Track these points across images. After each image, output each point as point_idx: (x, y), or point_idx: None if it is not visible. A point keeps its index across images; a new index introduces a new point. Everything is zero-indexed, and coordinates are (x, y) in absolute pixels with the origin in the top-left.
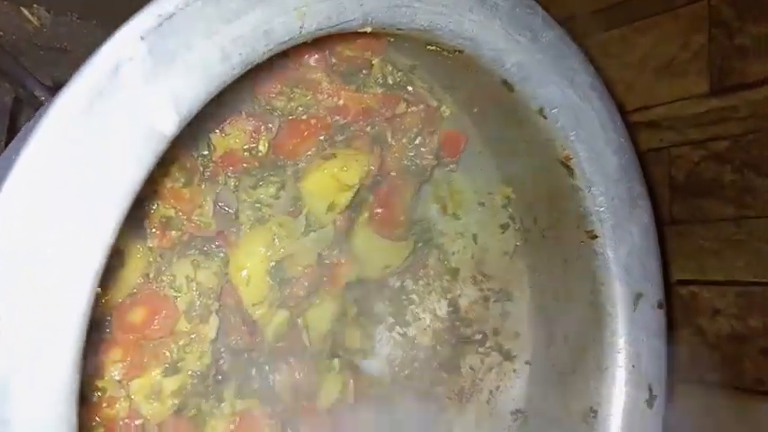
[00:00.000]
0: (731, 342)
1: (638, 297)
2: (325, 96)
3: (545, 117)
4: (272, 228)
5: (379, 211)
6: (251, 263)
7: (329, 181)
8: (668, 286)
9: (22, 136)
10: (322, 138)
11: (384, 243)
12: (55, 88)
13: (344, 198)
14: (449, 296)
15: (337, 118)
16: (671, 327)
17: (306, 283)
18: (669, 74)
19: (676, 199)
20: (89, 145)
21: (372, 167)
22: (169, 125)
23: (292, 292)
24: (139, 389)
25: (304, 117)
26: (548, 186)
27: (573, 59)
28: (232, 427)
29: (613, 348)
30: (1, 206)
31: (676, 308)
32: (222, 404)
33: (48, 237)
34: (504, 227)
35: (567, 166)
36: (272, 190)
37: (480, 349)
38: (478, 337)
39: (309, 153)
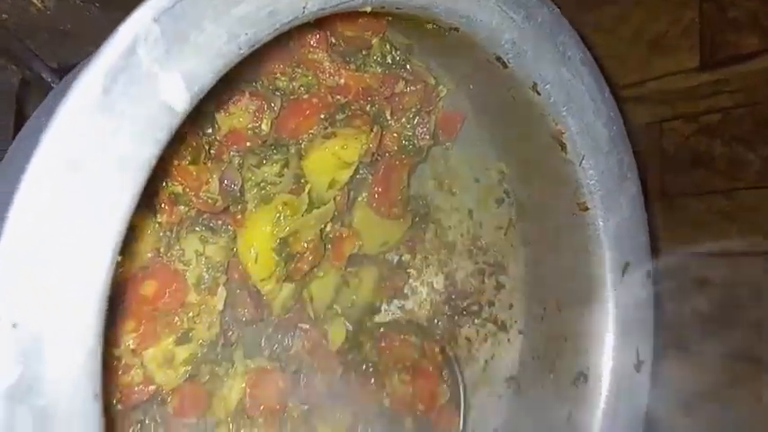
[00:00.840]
0: (722, 311)
1: (626, 266)
2: (327, 76)
3: (538, 93)
4: (278, 206)
5: (377, 190)
6: (258, 241)
7: (330, 159)
8: (659, 258)
9: (40, 115)
10: (323, 117)
11: (382, 221)
12: (61, 70)
13: (344, 175)
14: (445, 270)
15: (338, 97)
16: (662, 298)
17: (310, 258)
18: (661, 48)
19: (668, 172)
20: (109, 123)
21: (371, 146)
22: (181, 102)
23: (297, 267)
24: (152, 358)
25: (305, 96)
26: (541, 161)
27: (565, 36)
28: (248, 383)
29: (603, 315)
30: (31, 181)
31: (667, 279)
32: (235, 365)
33: (74, 209)
34: (499, 201)
35: (560, 141)
36: (275, 168)
37: (476, 321)
38: (474, 308)
39: (311, 132)
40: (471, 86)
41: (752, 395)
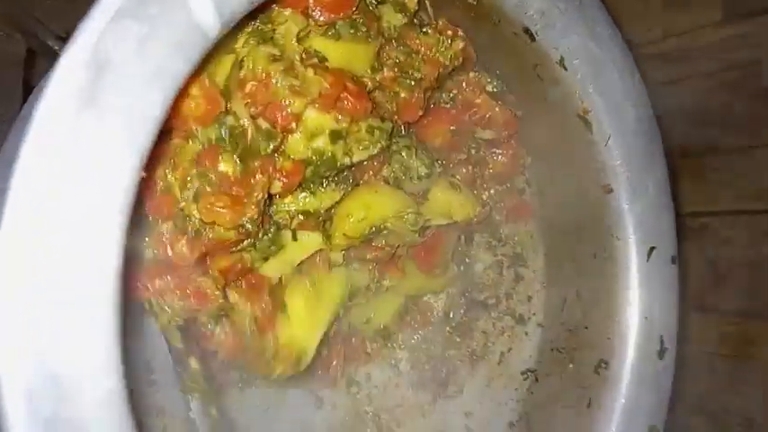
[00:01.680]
0: (744, 270)
1: (651, 251)
2: None
3: (565, 68)
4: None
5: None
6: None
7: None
8: (679, 219)
9: None
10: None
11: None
12: (68, 38)
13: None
14: (466, 261)
15: None
16: (683, 258)
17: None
18: (682, 4)
19: (687, 131)
20: (149, 32)
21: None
22: (212, 27)
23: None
24: None
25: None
26: (564, 144)
27: (594, 10)
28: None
29: (626, 301)
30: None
31: (688, 240)
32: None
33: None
34: (521, 192)
35: (585, 120)
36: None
37: (493, 314)
38: (491, 301)
39: None
40: (497, 72)
41: None
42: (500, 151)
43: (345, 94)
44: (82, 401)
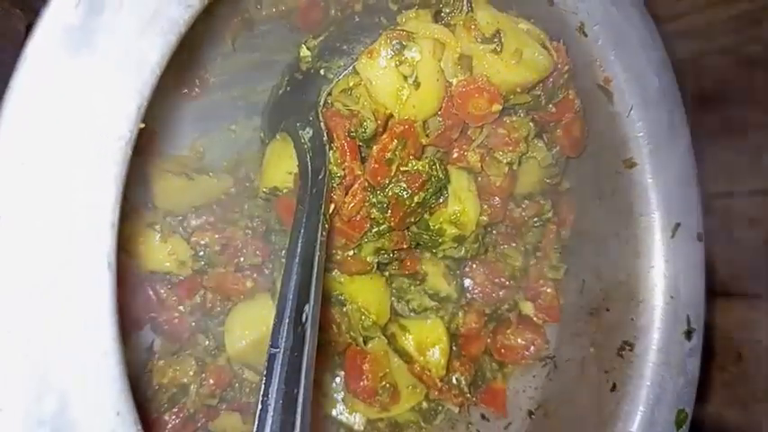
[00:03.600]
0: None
1: (676, 227)
2: None
3: (585, 35)
4: None
5: None
6: None
7: None
8: (702, 200)
9: None
10: None
11: None
12: None
13: None
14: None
15: None
16: (708, 241)
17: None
18: None
19: (707, 110)
20: None
21: None
22: None
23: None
24: None
25: None
26: (585, 117)
27: None
28: None
29: (650, 280)
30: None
31: (712, 221)
32: None
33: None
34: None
35: (606, 90)
36: None
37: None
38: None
39: None
40: None
41: None
42: None
43: None
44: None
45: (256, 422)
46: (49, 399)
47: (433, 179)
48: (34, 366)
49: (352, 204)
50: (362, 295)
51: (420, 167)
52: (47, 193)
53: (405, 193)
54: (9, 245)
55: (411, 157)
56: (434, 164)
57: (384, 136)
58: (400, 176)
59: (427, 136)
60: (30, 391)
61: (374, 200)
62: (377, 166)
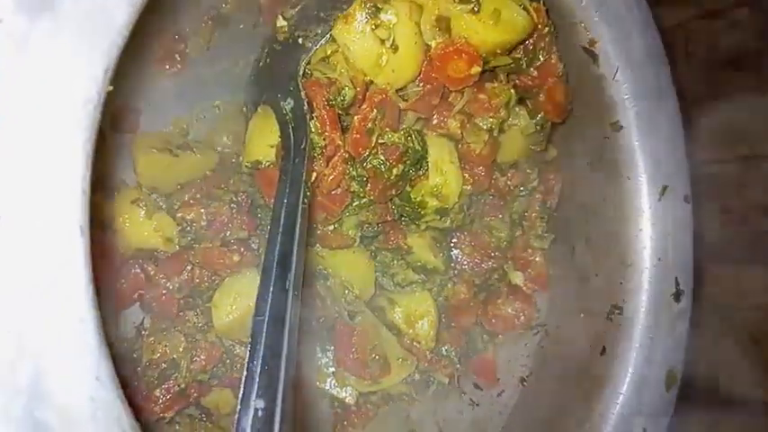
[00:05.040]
0: (760, 215)
1: (664, 190)
2: None
3: None
4: None
5: None
6: None
7: None
8: (692, 166)
9: None
10: None
11: None
12: None
13: None
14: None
15: None
16: (697, 206)
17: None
18: None
19: (696, 75)
20: None
21: None
22: None
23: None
24: None
25: None
26: (570, 81)
27: None
28: None
29: (638, 243)
30: None
31: (701, 187)
32: None
33: None
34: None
35: (591, 52)
36: None
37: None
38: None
39: None
40: None
41: None
42: None
43: None
44: None
45: (242, 388)
46: (25, 367)
47: (409, 151)
48: (7, 335)
49: (332, 177)
50: (345, 269)
51: (396, 139)
52: (17, 159)
53: (383, 165)
54: None
55: (387, 129)
56: (410, 135)
57: (364, 105)
58: (378, 149)
59: (405, 101)
60: (4, 361)
61: (354, 173)
62: (358, 136)
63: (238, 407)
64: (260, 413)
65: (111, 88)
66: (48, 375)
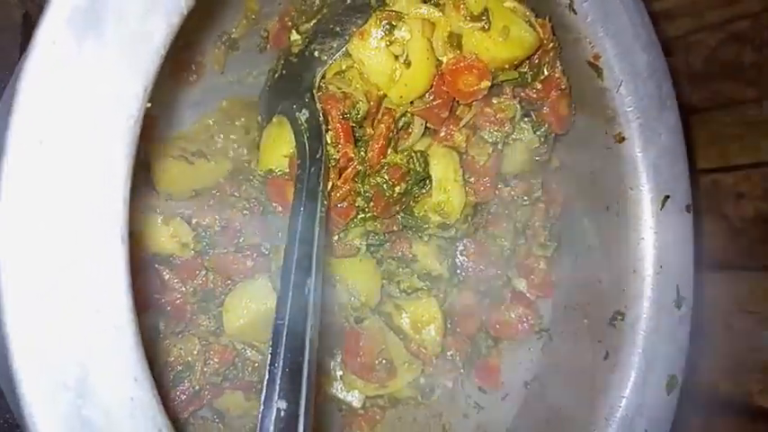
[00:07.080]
0: (757, 224)
1: (665, 199)
2: None
3: (575, 12)
4: None
5: None
6: None
7: None
8: (692, 176)
9: None
10: None
11: None
12: None
13: None
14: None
15: None
16: (696, 215)
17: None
18: None
19: (695, 86)
20: None
21: None
22: None
23: None
24: None
25: None
26: (575, 94)
27: None
28: None
29: (640, 252)
30: None
31: (700, 197)
32: None
33: None
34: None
35: (596, 67)
36: None
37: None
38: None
39: None
40: None
41: None
42: None
43: None
44: None
45: (264, 389)
46: (72, 368)
47: (411, 172)
48: (57, 337)
49: (340, 193)
50: (351, 276)
51: (398, 160)
52: (64, 170)
53: (386, 184)
54: (29, 221)
55: (390, 150)
56: (412, 157)
57: (386, 116)
58: (382, 168)
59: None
60: (54, 363)
61: (360, 189)
62: (383, 143)
63: (261, 407)
64: (282, 413)
65: (149, 105)
66: (92, 376)
